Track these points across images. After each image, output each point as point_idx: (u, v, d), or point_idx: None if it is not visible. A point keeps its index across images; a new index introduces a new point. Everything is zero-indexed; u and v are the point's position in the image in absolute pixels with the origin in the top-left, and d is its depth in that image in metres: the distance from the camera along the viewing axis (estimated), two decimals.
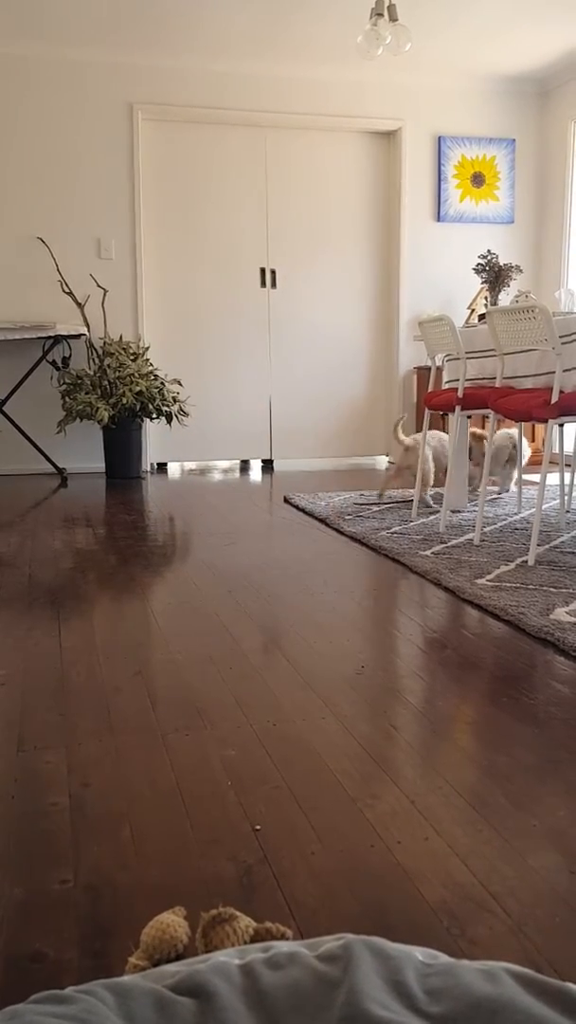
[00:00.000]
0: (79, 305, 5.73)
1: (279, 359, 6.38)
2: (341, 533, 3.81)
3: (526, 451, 4.69)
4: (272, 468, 6.41)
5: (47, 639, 2.32)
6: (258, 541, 3.63)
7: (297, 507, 4.52)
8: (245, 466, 6.58)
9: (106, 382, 5.46)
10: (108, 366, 5.51)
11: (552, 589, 2.72)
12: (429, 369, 6.21)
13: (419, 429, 6.39)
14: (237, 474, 6.08)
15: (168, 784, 1.48)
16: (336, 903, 1.15)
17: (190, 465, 6.63)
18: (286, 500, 4.75)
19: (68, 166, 5.75)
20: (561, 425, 3.42)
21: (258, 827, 1.34)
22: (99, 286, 5.84)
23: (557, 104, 6.29)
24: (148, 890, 1.18)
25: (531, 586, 2.77)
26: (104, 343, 5.69)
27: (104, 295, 5.85)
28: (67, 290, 5.71)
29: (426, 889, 1.18)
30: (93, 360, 5.72)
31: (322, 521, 4.09)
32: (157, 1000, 0.66)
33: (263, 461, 6.64)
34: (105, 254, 5.85)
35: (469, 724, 1.74)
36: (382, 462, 6.74)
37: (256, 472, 6.18)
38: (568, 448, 6.15)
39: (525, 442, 4.65)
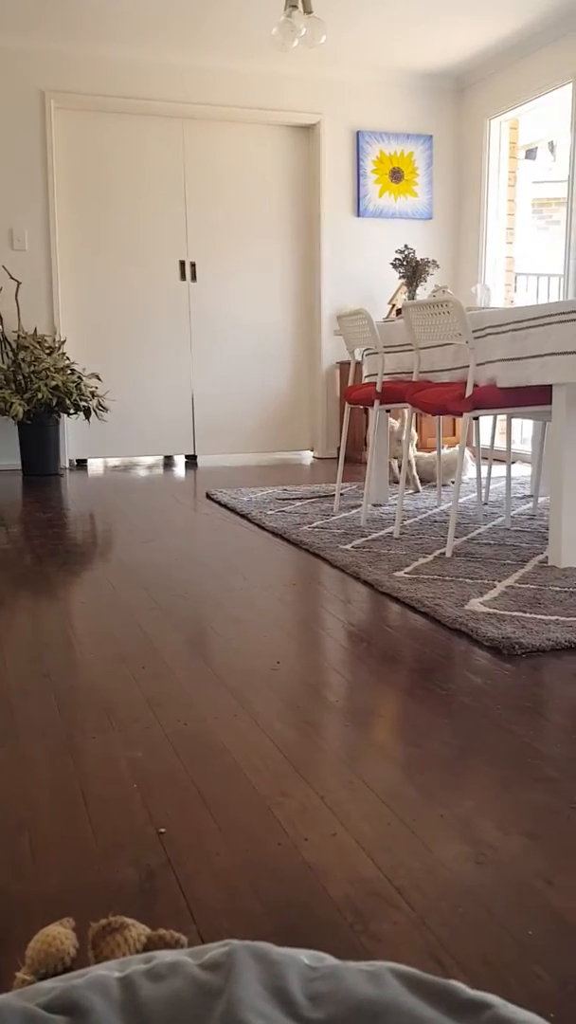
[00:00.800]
0: None
1: (201, 353, 6.33)
2: (263, 528, 3.79)
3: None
4: (196, 464, 6.36)
5: None
6: (179, 538, 3.59)
7: (220, 503, 4.49)
8: (169, 462, 6.51)
9: (20, 376, 5.34)
10: (22, 360, 5.38)
11: (468, 580, 2.74)
12: (351, 364, 6.24)
13: (341, 423, 6.40)
14: (160, 470, 6.01)
15: (71, 789, 1.44)
16: (239, 904, 1.12)
17: (113, 461, 6.53)
18: (208, 496, 4.71)
19: None
20: (476, 419, 3.46)
21: (163, 830, 1.31)
22: (12, 278, 5.70)
23: (473, 101, 6.37)
24: (44, 900, 1.14)
25: (448, 578, 2.78)
26: (18, 336, 5.56)
27: (17, 287, 5.71)
28: None
29: (331, 886, 1.16)
30: (6, 354, 5.59)
31: (244, 516, 4.06)
32: (28, 1020, 0.62)
33: (187, 457, 6.58)
34: (18, 245, 5.71)
35: (383, 717, 1.73)
36: (307, 457, 6.74)
37: (180, 468, 6.12)
38: (484, 443, 6.24)
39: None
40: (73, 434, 6.12)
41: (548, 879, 1.17)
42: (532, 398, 2.96)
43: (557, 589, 2.61)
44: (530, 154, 8.27)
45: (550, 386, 2.91)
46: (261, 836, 1.29)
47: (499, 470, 5.46)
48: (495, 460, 5.80)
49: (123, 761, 1.54)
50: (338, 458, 6.46)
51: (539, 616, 2.34)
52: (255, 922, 1.09)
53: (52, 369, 5.37)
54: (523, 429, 6.27)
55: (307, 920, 1.09)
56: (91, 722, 1.71)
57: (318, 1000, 0.63)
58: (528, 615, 2.35)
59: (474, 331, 3.14)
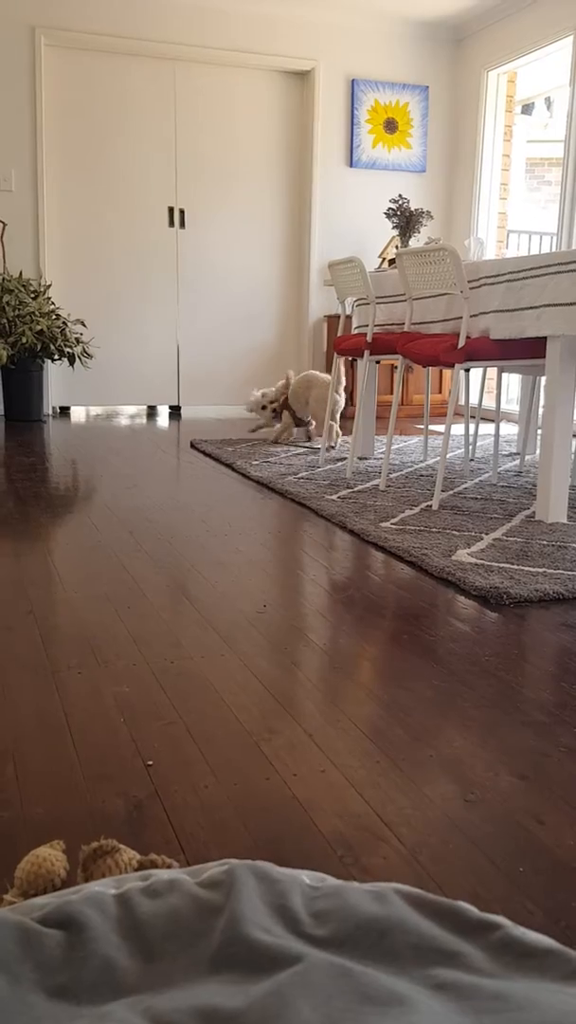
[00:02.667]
0: None
1: (187, 302, 6.23)
2: (247, 478, 3.75)
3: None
4: (180, 414, 6.29)
5: None
6: (162, 485, 3.55)
7: (204, 452, 4.44)
8: (152, 412, 6.44)
9: (4, 320, 5.23)
10: (7, 303, 5.27)
11: (455, 532, 2.73)
12: (339, 317, 6.16)
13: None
14: (144, 420, 5.94)
15: (57, 721, 1.42)
16: (228, 836, 1.11)
17: (96, 410, 6.45)
18: (193, 445, 4.66)
19: None
20: (467, 370, 3.43)
21: (150, 762, 1.29)
22: None
23: (471, 52, 6.24)
24: (31, 828, 1.12)
25: (434, 529, 2.77)
26: (3, 279, 5.44)
27: (3, 228, 5.58)
28: None
29: (320, 820, 1.15)
30: None
31: (229, 466, 4.02)
32: (21, 933, 0.61)
33: (171, 407, 6.50)
34: (4, 184, 5.56)
35: (370, 660, 1.72)
36: None
37: (163, 418, 6.05)
38: (473, 400, 6.21)
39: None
40: (56, 381, 6.02)
41: (539, 818, 1.17)
42: (526, 350, 2.92)
43: (544, 543, 2.60)
44: (526, 109, 8.14)
45: (544, 339, 2.88)
46: (249, 771, 1.27)
47: (485, 429, 5.44)
48: (482, 419, 5.77)
49: (109, 696, 1.52)
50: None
51: (527, 568, 2.33)
52: (244, 853, 1.08)
53: (37, 313, 5.27)
54: (510, 388, 6.24)
55: (297, 852, 1.08)
56: (76, 658, 1.69)
57: (322, 917, 0.61)
58: (516, 567, 2.34)
59: (469, 281, 3.10)
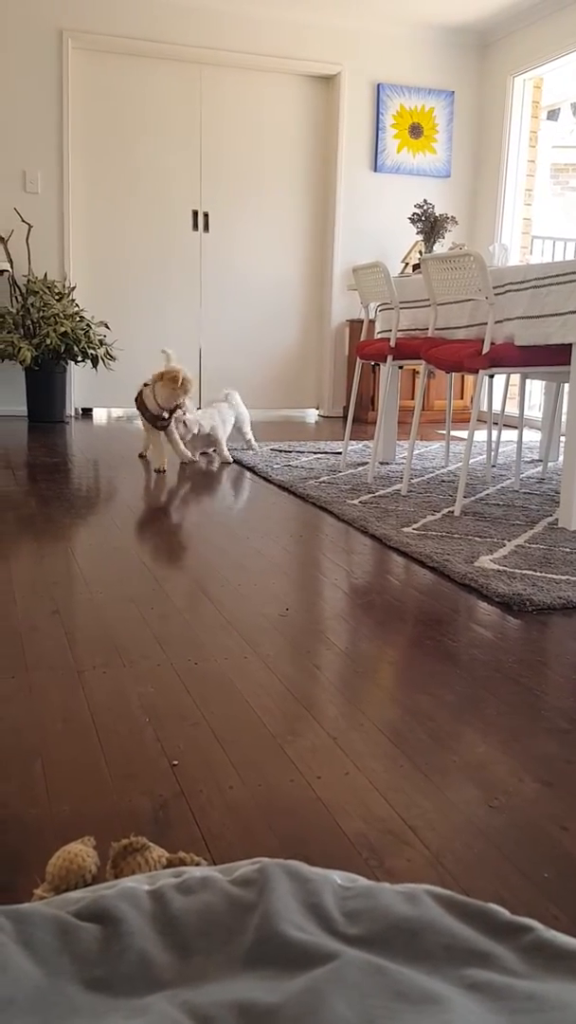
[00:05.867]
0: (2, 240, 5.50)
1: (210, 305, 6.25)
2: (269, 481, 3.76)
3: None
4: None
5: None
6: (185, 487, 3.57)
7: None
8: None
9: (29, 321, 5.27)
10: (32, 305, 5.31)
11: (477, 538, 2.73)
12: (362, 322, 6.17)
13: (349, 381, 6.35)
14: None
15: (83, 720, 1.43)
16: (253, 836, 1.12)
17: (117, 412, 6.48)
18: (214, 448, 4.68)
19: None
20: (491, 376, 3.42)
21: (175, 762, 1.30)
22: (23, 220, 5.60)
23: (496, 58, 6.23)
24: (59, 825, 1.13)
25: (456, 535, 2.77)
26: (28, 281, 5.48)
27: (29, 230, 5.62)
28: None
29: (345, 822, 1.16)
30: (16, 298, 5.51)
31: (250, 469, 4.03)
32: (59, 926, 0.62)
33: None
34: (31, 187, 5.61)
35: (392, 665, 1.73)
36: (312, 415, 6.69)
37: None
38: (496, 406, 6.19)
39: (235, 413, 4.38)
40: (79, 383, 6.06)
41: (563, 825, 1.17)
42: (550, 357, 2.92)
43: (567, 550, 2.60)
44: (552, 115, 8.12)
45: (569, 345, 2.88)
46: (273, 772, 1.28)
47: (507, 435, 5.43)
48: (505, 425, 5.76)
49: (134, 696, 1.53)
50: (346, 415, 6.42)
51: (549, 575, 2.33)
52: (270, 854, 1.09)
53: (61, 315, 5.31)
54: (532, 395, 6.22)
55: (322, 854, 1.09)
56: (101, 658, 1.70)
57: (354, 917, 0.62)
58: (538, 573, 2.34)
59: (494, 287, 3.10)
